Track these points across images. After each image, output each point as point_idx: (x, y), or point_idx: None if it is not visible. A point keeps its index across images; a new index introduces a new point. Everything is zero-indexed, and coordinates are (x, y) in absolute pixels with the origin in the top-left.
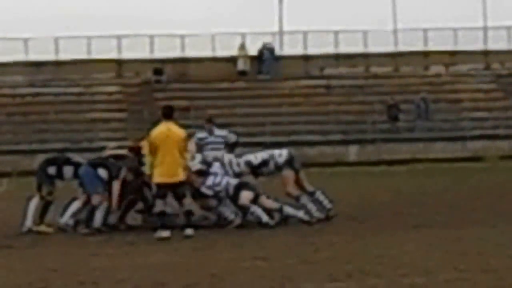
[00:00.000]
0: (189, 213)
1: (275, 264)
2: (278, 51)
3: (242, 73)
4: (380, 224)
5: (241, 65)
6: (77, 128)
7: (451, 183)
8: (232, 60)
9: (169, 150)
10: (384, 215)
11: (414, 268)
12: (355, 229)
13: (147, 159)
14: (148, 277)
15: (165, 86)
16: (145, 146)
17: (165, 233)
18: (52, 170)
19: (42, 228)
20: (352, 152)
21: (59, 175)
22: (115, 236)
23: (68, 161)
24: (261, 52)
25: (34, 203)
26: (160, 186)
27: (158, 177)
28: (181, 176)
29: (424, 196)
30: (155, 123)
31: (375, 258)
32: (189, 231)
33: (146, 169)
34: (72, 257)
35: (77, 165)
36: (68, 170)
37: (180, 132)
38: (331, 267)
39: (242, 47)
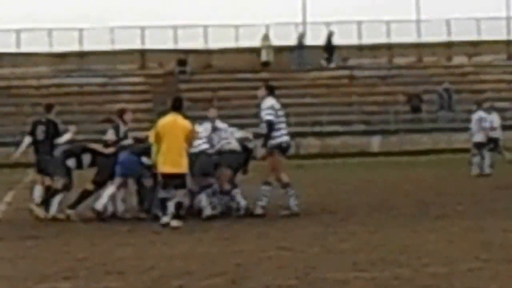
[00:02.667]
0: (179, 205)
1: (299, 254)
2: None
3: (266, 64)
4: (403, 214)
5: (264, 56)
6: (101, 119)
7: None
8: (256, 51)
9: (174, 140)
10: (407, 206)
11: (436, 257)
12: (378, 219)
13: (153, 148)
14: (174, 266)
15: (189, 77)
16: (151, 135)
17: (167, 219)
18: (71, 162)
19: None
20: (375, 143)
21: (79, 165)
22: (141, 225)
23: (85, 149)
24: (300, 42)
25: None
26: (163, 175)
27: (161, 167)
28: (184, 167)
29: (446, 186)
30: (162, 114)
31: (398, 248)
32: (175, 223)
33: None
34: (98, 246)
35: (94, 153)
36: (86, 158)
37: (186, 124)
38: (355, 256)
39: (266, 38)
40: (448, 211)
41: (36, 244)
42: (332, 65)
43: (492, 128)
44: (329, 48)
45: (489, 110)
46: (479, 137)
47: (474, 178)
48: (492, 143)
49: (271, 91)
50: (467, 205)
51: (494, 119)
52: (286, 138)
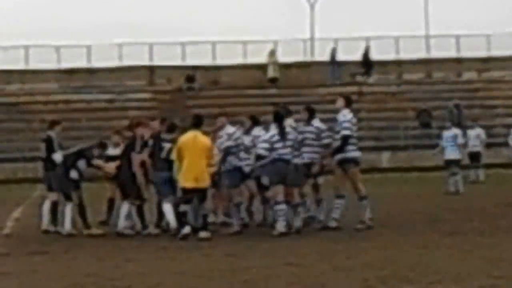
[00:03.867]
0: (206, 216)
1: (308, 270)
2: (309, 58)
3: (273, 80)
4: (413, 230)
5: (271, 72)
6: (109, 135)
7: (484, 189)
8: (263, 67)
9: (194, 157)
10: (417, 222)
11: (447, 274)
12: (388, 235)
13: (175, 165)
14: (182, 282)
15: (197, 93)
16: (173, 152)
17: (187, 230)
18: (74, 174)
19: (94, 231)
20: (385, 159)
21: (80, 175)
22: (149, 241)
23: (79, 155)
24: (332, 57)
25: (69, 208)
26: (185, 190)
27: (183, 182)
28: (205, 182)
29: (457, 202)
30: (183, 131)
31: (409, 265)
32: (203, 234)
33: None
34: (106, 262)
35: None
36: (81, 164)
37: (206, 141)
38: (364, 273)
39: (272, 54)
40: (459, 228)
41: (44, 259)
42: (370, 80)
43: (465, 145)
44: (366, 63)
45: (472, 126)
46: (452, 155)
47: (484, 195)
48: (475, 159)
49: (348, 103)
50: (478, 222)
51: (480, 134)
52: (359, 153)
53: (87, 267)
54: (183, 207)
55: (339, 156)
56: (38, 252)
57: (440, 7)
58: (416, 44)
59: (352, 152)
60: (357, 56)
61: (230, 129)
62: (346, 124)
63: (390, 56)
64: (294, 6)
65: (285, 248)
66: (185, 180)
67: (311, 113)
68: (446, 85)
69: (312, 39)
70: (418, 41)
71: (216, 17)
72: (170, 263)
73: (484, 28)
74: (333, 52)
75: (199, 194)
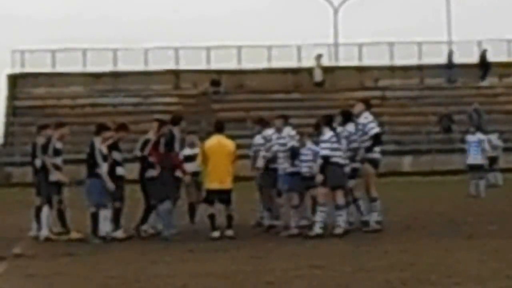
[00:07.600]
0: (230, 217)
1: (331, 272)
2: (333, 63)
3: (319, 84)
4: (434, 233)
5: (318, 76)
6: (135, 138)
7: (504, 193)
8: (288, 71)
9: (219, 160)
10: (438, 224)
11: (467, 276)
12: (410, 238)
13: (201, 168)
14: (206, 284)
15: (222, 97)
16: (199, 156)
17: (216, 234)
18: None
19: (74, 235)
20: (407, 163)
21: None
22: (174, 244)
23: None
24: (449, 60)
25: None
26: (209, 192)
27: (208, 184)
28: (228, 184)
29: (477, 206)
30: (208, 135)
31: (430, 267)
32: (229, 232)
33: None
34: (131, 264)
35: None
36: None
37: (230, 145)
38: (386, 275)
39: (319, 57)
40: (480, 230)
41: (70, 261)
42: (485, 82)
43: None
44: (484, 65)
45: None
46: (476, 160)
47: (504, 198)
48: (493, 163)
49: (368, 106)
50: (499, 225)
51: (493, 139)
52: (380, 155)
53: (112, 269)
54: (210, 210)
55: (369, 155)
56: (64, 254)
57: (462, 13)
58: (438, 49)
59: (376, 154)
60: (381, 61)
61: (292, 132)
62: (373, 124)
63: (413, 61)
64: (319, 11)
65: (309, 250)
66: (209, 181)
67: (347, 117)
68: (467, 90)
69: (336, 44)
70: (440, 47)
71: (241, 21)
72: (195, 265)
73: (505, 34)
74: (450, 55)
75: (223, 195)
